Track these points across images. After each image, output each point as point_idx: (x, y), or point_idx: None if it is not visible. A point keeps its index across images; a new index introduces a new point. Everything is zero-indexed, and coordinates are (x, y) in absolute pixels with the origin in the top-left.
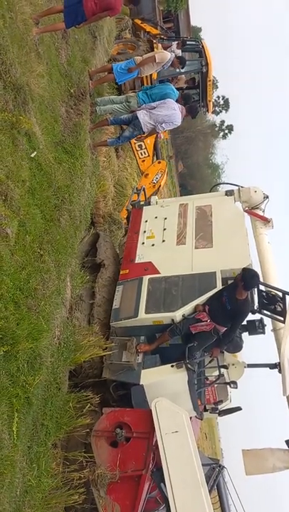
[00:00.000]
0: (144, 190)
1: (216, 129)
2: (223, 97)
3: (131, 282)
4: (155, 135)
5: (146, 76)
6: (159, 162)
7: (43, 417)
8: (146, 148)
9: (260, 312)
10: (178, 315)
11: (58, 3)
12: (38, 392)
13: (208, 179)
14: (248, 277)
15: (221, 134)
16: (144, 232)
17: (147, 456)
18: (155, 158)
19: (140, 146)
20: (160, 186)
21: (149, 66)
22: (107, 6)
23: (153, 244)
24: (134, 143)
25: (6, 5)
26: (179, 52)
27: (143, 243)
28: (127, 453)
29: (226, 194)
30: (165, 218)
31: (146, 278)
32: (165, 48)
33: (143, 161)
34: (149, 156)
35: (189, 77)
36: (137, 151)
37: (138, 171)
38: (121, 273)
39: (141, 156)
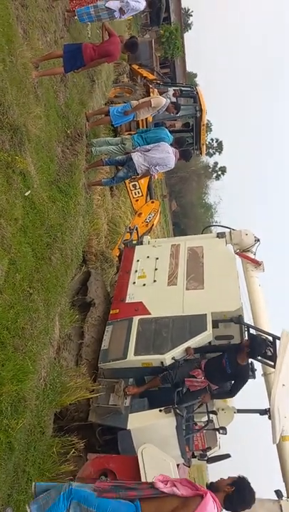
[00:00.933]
0: (136, 229)
1: (210, 170)
2: (217, 140)
3: (121, 322)
4: (149, 176)
5: (142, 119)
6: (153, 202)
7: (24, 462)
8: (140, 188)
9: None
10: (167, 357)
11: (58, 48)
12: (20, 436)
13: (201, 218)
14: (255, 345)
15: (214, 175)
16: (136, 271)
17: None
18: (149, 197)
19: (134, 185)
20: (153, 225)
21: (145, 110)
22: (105, 52)
23: (144, 284)
24: (129, 182)
25: (7, 49)
26: (174, 99)
27: (134, 283)
28: None
29: (218, 236)
30: (157, 258)
31: (136, 318)
32: (161, 93)
33: (137, 200)
34: (142, 195)
35: (185, 120)
36: (131, 190)
37: (131, 210)
38: (111, 312)
39: (135, 196)
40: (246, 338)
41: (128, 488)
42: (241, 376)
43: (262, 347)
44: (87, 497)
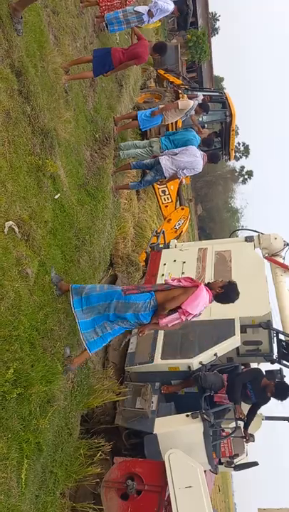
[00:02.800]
0: (163, 233)
1: (236, 174)
2: (244, 144)
3: None
4: (179, 181)
5: (172, 123)
6: (183, 208)
7: (52, 463)
8: (169, 194)
9: (279, 362)
10: (195, 362)
11: (88, 53)
12: (48, 437)
13: (227, 223)
14: (281, 390)
15: (241, 179)
16: (163, 275)
17: (159, 511)
18: (178, 203)
19: (164, 191)
20: (182, 232)
21: (172, 113)
22: (134, 55)
23: None
24: (158, 188)
25: (39, 55)
26: None
27: None
28: (138, 507)
29: (246, 240)
30: (184, 262)
31: None
32: (191, 98)
33: (166, 206)
34: (172, 201)
35: (212, 130)
36: (160, 196)
37: (158, 214)
38: None
39: (164, 202)
40: (274, 380)
41: (147, 287)
42: (263, 401)
43: (286, 395)
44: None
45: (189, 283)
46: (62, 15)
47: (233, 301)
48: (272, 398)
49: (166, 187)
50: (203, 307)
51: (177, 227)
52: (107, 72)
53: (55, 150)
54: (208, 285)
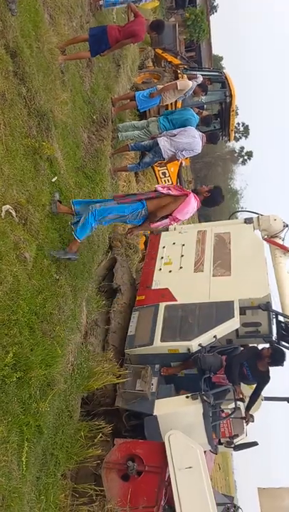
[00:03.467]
0: None
1: (236, 155)
2: (243, 124)
3: (147, 309)
4: (179, 163)
5: (171, 104)
6: None
7: (53, 446)
8: (170, 176)
9: (278, 343)
10: (194, 344)
11: (84, 32)
12: (49, 420)
13: (227, 204)
14: (277, 356)
15: (241, 159)
16: (162, 258)
17: (159, 492)
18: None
19: (164, 173)
20: None
21: (171, 93)
22: (130, 33)
23: (170, 271)
24: (158, 170)
25: (34, 35)
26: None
27: (160, 269)
28: (139, 487)
29: (245, 222)
30: (183, 245)
31: (162, 305)
32: (190, 79)
33: None
34: (172, 183)
35: (212, 112)
36: (160, 178)
37: None
38: (137, 299)
39: (165, 184)
40: (267, 347)
41: (138, 194)
42: (262, 381)
43: (283, 357)
44: (110, 208)
45: (178, 191)
46: None
47: (218, 204)
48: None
49: (167, 169)
50: (191, 213)
51: None
52: (103, 52)
53: (51, 132)
54: (195, 191)
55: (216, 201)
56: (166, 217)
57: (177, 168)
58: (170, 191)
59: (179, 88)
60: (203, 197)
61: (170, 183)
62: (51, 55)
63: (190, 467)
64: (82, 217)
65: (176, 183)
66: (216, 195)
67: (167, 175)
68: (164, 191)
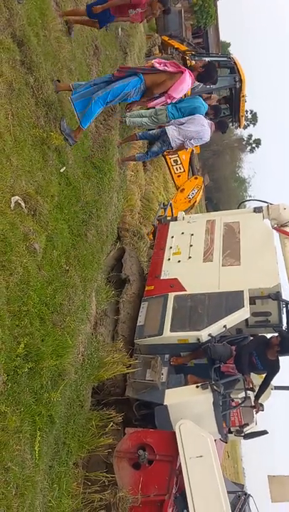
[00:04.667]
0: (170, 205)
1: (244, 142)
2: (252, 111)
3: (156, 299)
4: (190, 151)
5: None
6: (196, 178)
7: (65, 435)
8: (181, 163)
9: (288, 332)
10: (204, 334)
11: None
12: (60, 409)
13: (235, 193)
14: (286, 344)
15: (249, 147)
16: (171, 248)
17: (170, 481)
18: (191, 173)
19: (176, 161)
20: (196, 202)
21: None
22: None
23: (179, 261)
24: (170, 158)
25: (41, 23)
26: None
27: (169, 259)
28: (150, 476)
29: (255, 211)
30: (192, 234)
31: (171, 295)
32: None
33: (178, 176)
34: (184, 171)
35: (221, 95)
36: (172, 166)
37: (165, 185)
38: (146, 289)
39: (176, 171)
40: (276, 335)
41: (135, 68)
42: (272, 370)
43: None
44: (112, 90)
45: (174, 68)
46: None
47: (214, 79)
48: (280, 366)
49: (178, 157)
50: (186, 90)
51: (191, 197)
52: (101, 5)
53: (59, 122)
54: (190, 68)
55: (211, 76)
56: (162, 95)
57: (188, 156)
58: (166, 67)
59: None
60: (198, 72)
61: (182, 170)
62: (58, 43)
63: (201, 456)
64: (87, 107)
65: (188, 170)
66: (210, 70)
67: (179, 162)
68: (161, 67)
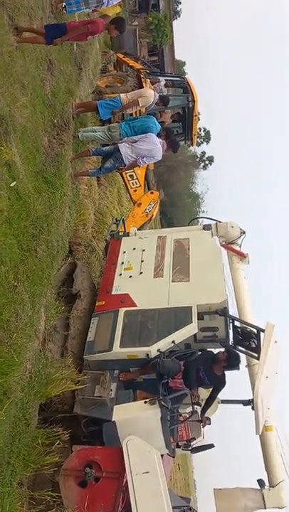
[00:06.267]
0: (123, 220)
1: (197, 159)
2: (205, 129)
3: (106, 314)
4: (146, 166)
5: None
6: (152, 192)
7: (9, 454)
8: (137, 178)
9: (235, 348)
10: (153, 349)
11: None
12: (5, 429)
13: (189, 208)
14: (232, 359)
15: (202, 164)
16: (122, 263)
17: (116, 498)
18: (147, 188)
19: (131, 176)
20: (153, 216)
21: (132, 109)
22: (88, 21)
23: (130, 276)
24: (126, 173)
25: None
26: (165, 90)
27: (120, 274)
28: (96, 494)
29: (204, 228)
30: (143, 250)
31: (122, 310)
32: (153, 83)
33: (135, 190)
34: (140, 186)
35: (175, 111)
36: (128, 181)
37: (119, 200)
38: (97, 304)
39: (132, 186)
40: (223, 350)
41: None
42: (218, 385)
43: (238, 360)
44: None
45: None
46: None
47: (238, 365)
48: (226, 381)
49: (134, 172)
50: None
51: (148, 211)
52: (59, 38)
53: (10, 136)
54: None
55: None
56: None
57: (144, 171)
58: None
59: (140, 105)
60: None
61: (138, 185)
62: (10, 57)
63: (147, 472)
64: None
65: (144, 185)
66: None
67: (135, 177)
68: None
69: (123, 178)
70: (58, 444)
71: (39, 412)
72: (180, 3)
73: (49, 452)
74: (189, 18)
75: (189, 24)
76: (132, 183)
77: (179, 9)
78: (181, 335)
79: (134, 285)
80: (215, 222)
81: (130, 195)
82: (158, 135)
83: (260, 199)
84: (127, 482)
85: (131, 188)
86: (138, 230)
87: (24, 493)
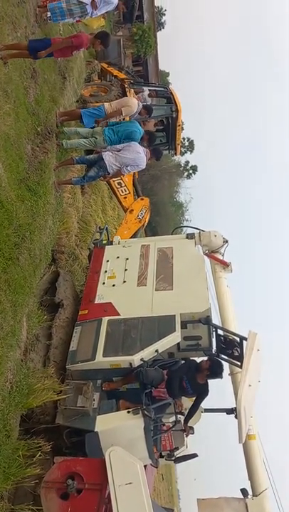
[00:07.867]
0: (106, 229)
1: (181, 168)
2: (188, 139)
3: (90, 323)
4: (133, 173)
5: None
6: (142, 199)
7: None
8: (125, 185)
9: (218, 356)
10: (136, 358)
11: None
12: None
13: (172, 216)
14: (215, 368)
15: (186, 173)
16: (106, 271)
17: (99, 510)
18: (136, 195)
19: (120, 183)
20: (145, 222)
21: (116, 117)
22: (73, 36)
23: (114, 285)
24: (114, 181)
25: None
26: (149, 100)
27: (104, 283)
28: (78, 506)
29: (187, 237)
30: (127, 259)
31: (105, 319)
32: (137, 93)
33: (125, 197)
34: (130, 192)
35: (158, 119)
36: (117, 188)
37: (103, 208)
38: (80, 313)
39: (122, 193)
40: (206, 359)
41: None
42: (201, 394)
43: (221, 369)
44: None
45: None
46: (1, 2)
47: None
48: (210, 390)
49: (122, 179)
50: None
51: (140, 217)
52: (43, 50)
53: None
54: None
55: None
56: None
57: (131, 178)
58: None
59: (124, 114)
60: None
61: (127, 192)
62: None
63: (130, 483)
64: None
65: (133, 192)
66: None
67: (123, 184)
68: None
69: (111, 186)
70: (40, 455)
71: (20, 423)
72: (164, 14)
73: (30, 464)
74: (174, 29)
75: (173, 35)
76: (121, 190)
77: (163, 21)
78: (164, 344)
79: (118, 294)
80: (198, 231)
81: (120, 202)
82: (141, 139)
83: (244, 208)
84: (109, 494)
85: (120, 195)
86: (132, 236)
87: (4, 506)
